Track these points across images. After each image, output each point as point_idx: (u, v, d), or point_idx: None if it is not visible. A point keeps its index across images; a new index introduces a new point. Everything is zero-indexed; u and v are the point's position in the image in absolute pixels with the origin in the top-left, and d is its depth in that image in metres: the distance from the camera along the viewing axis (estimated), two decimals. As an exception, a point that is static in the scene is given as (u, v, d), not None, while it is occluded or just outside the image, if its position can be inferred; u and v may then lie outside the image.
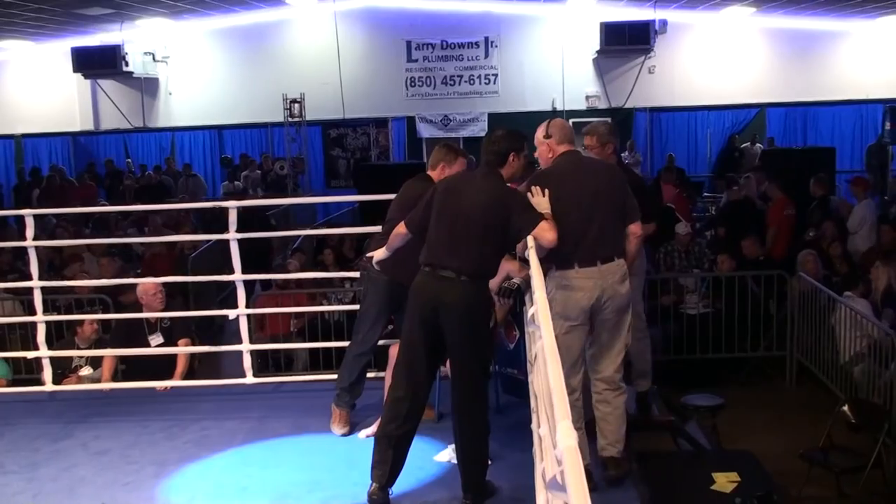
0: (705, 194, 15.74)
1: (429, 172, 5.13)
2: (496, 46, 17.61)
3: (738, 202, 11.37)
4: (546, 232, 3.94)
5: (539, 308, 2.52)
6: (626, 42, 16.44)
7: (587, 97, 17.55)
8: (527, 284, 4.62)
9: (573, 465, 1.48)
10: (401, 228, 4.33)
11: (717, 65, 17.38)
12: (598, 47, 16.74)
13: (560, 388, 1.79)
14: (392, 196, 5.20)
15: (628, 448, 4.52)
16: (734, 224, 10.42)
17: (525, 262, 4.68)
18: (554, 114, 17.01)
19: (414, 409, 4.12)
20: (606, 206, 4.29)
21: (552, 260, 4.19)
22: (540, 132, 4.49)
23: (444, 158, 5.10)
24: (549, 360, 2.03)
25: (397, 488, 4.33)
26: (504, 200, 4.04)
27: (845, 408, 6.00)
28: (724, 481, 4.81)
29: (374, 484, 4.14)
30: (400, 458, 4.15)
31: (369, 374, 5.37)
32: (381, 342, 5.34)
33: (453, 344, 4.04)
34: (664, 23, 16.83)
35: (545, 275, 4.12)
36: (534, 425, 3.36)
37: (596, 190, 4.29)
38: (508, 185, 4.24)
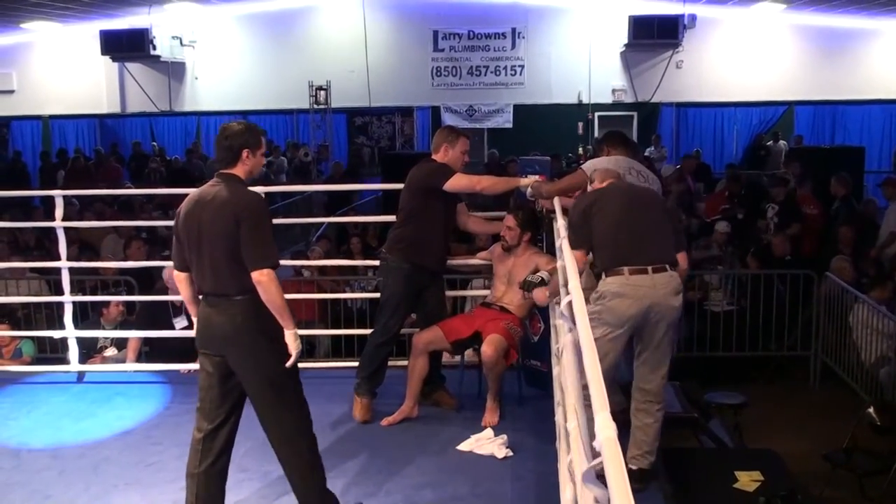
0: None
1: (433, 156, 5.10)
2: (523, 38, 17.54)
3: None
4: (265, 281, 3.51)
5: (574, 299, 2.49)
6: (654, 36, 16.34)
7: (613, 91, 17.45)
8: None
9: (614, 456, 1.46)
10: (175, 273, 3.84)
11: (745, 61, 17.24)
12: (625, 41, 16.65)
13: (598, 378, 1.76)
14: None
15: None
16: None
17: (553, 256, 4.66)
18: (580, 107, 16.95)
19: (210, 447, 3.76)
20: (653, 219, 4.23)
21: (605, 265, 4.06)
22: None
23: (445, 140, 5.06)
24: (586, 350, 2.00)
25: (416, 477, 4.33)
26: (231, 207, 3.54)
27: (871, 410, 5.94)
28: (747, 480, 4.76)
29: None
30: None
31: (391, 363, 5.36)
32: (403, 331, 5.32)
33: (236, 369, 3.69)
34: (693, 17, 16.76)
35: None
36: (559, 418, 3.33)
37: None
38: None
